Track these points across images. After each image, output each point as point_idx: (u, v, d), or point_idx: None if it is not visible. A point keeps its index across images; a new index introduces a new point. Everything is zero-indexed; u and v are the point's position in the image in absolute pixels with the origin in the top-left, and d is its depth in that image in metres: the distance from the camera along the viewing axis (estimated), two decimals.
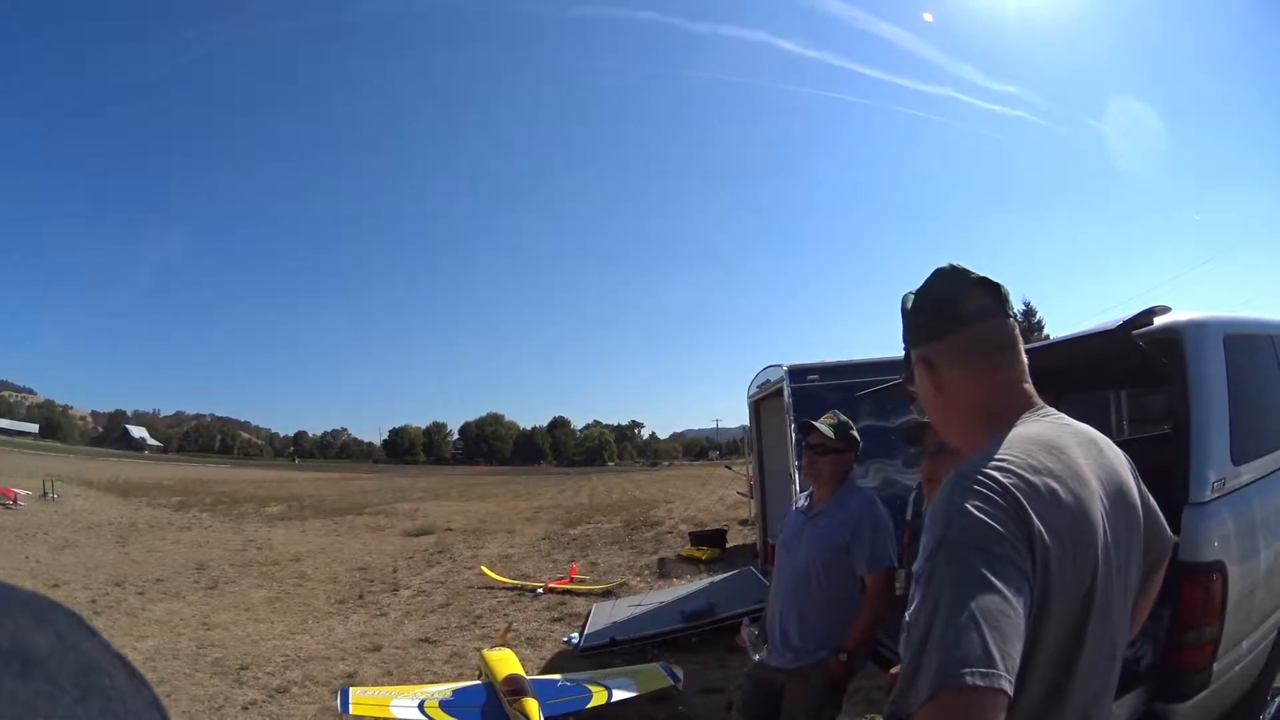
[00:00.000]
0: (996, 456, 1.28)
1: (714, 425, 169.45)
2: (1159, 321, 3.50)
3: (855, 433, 3.83)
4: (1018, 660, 1.10)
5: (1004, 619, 1.10)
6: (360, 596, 11.92)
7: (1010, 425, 1.38)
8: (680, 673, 6.19)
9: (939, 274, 1.53)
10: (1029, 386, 1.47)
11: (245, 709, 6.73)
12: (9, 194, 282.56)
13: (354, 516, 27.76)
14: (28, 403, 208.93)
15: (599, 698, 5.73)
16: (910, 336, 1.56)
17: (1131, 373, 3.92)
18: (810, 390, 8.63)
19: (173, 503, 31.59)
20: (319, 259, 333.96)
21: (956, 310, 1.48)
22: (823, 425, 3.78)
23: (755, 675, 3.94)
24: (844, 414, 3.89)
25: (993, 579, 1.13)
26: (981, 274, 1.50)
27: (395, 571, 14.43)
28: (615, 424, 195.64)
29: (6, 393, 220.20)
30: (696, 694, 6.37)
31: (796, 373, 8.92)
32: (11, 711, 0.40)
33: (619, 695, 5.80)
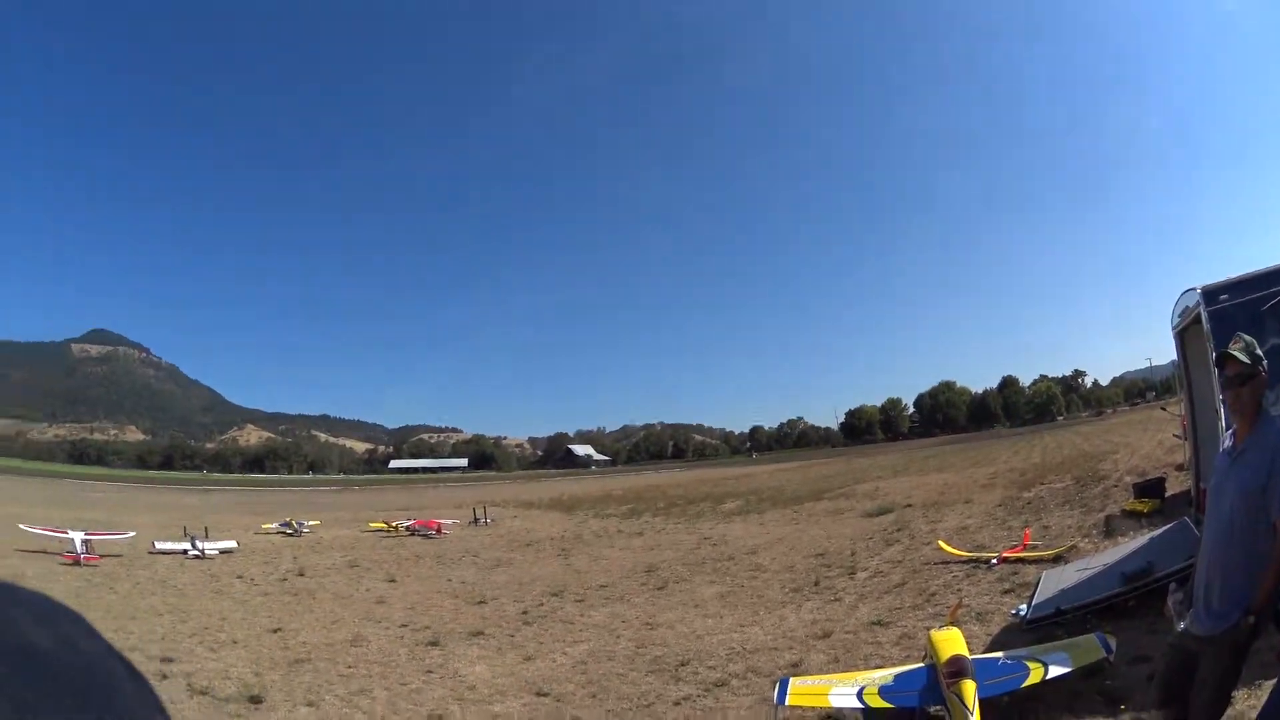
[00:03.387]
0: None
1: (1147, 364, 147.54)
2: None
3: (1259, 351, 3.46)
4: None
5: None
6: (816, 583, 12.13)
7: None
8: (1113, 642, 5.87)
9: None
10: None
11: (677, 704, 6.99)
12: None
13: (812, 503, 27.95)
14: (453, 440, 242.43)
15: (1035, 675, 5.55)
16: None
17: None
18: (1227, 312, 7.43)
19: (622, 511, 33.16)
20: (757, 262, 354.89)
21: None
22: (1236, 352, 3.45)
23: (1177, 644, 3.69)
24: (1249, 334, 3.57)
25: None
26: None
27: (853, 554, 14.55)
28: (1059, 375, 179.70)
29: (427, 434, 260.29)
30: (1125, 664, 5.94)
31: (1211, 294, 7.77)
32: (14, 712, 0.42)
33: (1054, 671, 5.59)
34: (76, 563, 17.67)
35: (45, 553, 18.64)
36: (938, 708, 5.40)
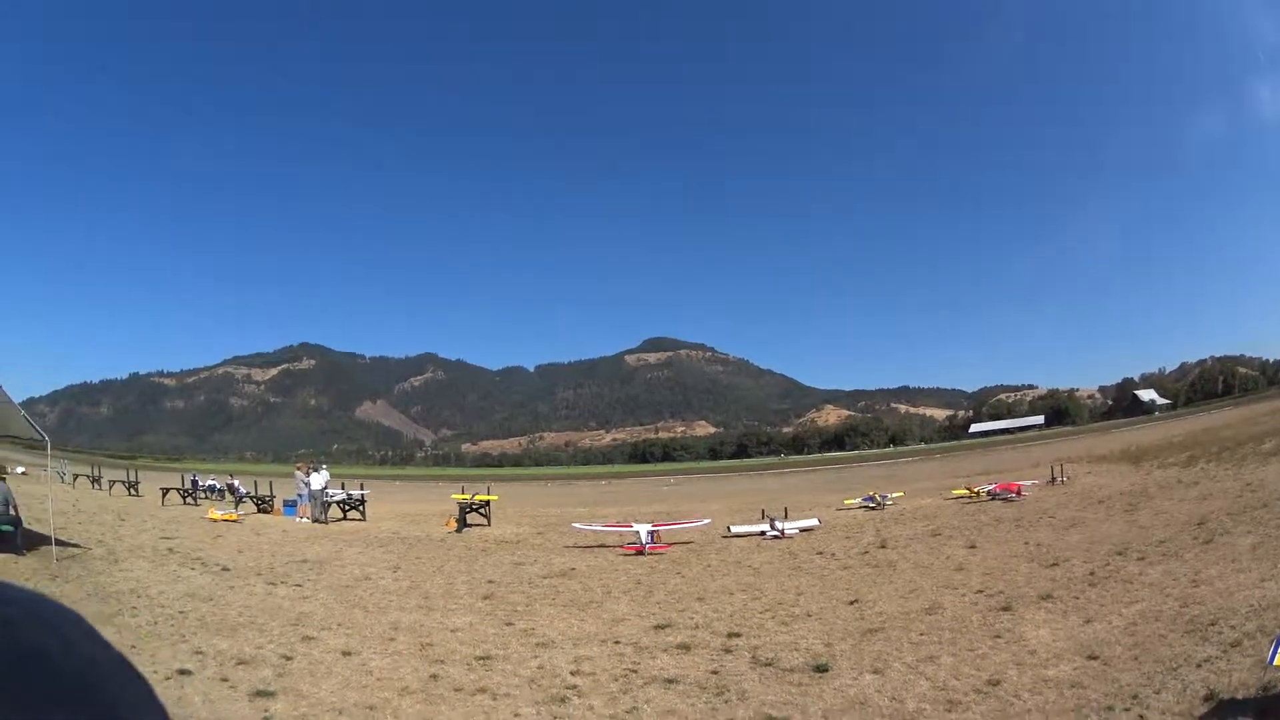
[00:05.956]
0: None
1: None
2: None
3: None
4: None
5: None
6: None
7: None
8: None
9: None
10: None
11: (1199, 666, 7.12)
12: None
13: None
14: (1029, 398, 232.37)
15: None
16: None
17: None
18: None
19: (1181, 459, 30.82)
20: None
21: None
22: None
23: None
24: None
25: None
26: None
27: None
28: None
29: (1004, 394, 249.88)
30: None
31: None
32: (13, 713, 0.43)
33: None
34: (640, 553, 18.70)
35: (603, 547, 20.23)
36: None
